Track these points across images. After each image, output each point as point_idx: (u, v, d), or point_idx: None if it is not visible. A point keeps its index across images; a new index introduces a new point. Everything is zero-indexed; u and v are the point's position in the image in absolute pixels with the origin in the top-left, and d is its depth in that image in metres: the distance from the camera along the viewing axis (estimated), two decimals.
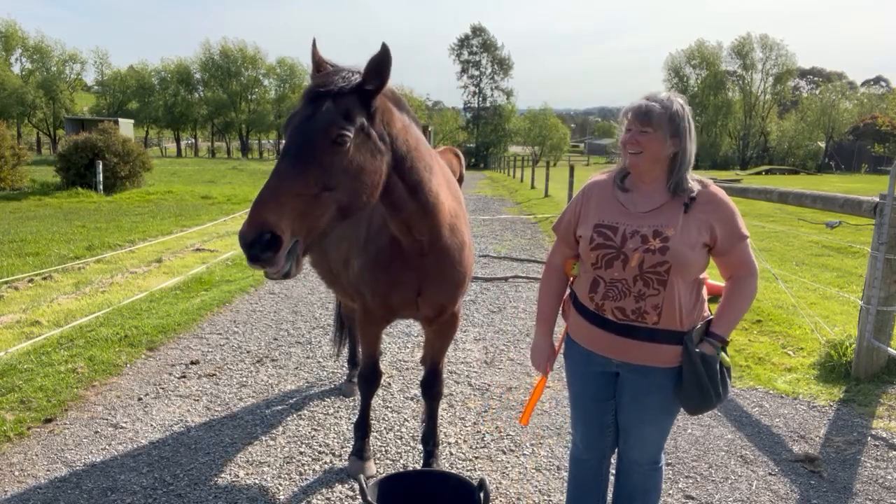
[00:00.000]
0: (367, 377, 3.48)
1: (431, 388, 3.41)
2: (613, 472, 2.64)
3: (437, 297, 3.02)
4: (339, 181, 2.20)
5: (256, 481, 3.41)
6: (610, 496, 2.71)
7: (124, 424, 4.05)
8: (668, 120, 2.20)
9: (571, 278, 2.51)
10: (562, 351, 2.61)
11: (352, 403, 4.38)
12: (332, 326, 6.14)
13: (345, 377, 4.76)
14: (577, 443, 2.62)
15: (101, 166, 18.46)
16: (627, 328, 2.27)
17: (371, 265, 2.96)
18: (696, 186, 2.25)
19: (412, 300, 3.00)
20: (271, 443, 3.85)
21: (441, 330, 3.29)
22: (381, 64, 2.28)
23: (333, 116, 2.20)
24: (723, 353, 2.28)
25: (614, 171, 2.40)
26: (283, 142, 2.28)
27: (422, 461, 3.51)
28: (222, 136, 73.51)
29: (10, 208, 15.42)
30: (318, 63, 2.39)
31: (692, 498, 3.29)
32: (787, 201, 5.83)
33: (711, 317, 2.32)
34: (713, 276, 7.38)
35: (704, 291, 2.34)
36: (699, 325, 2.27)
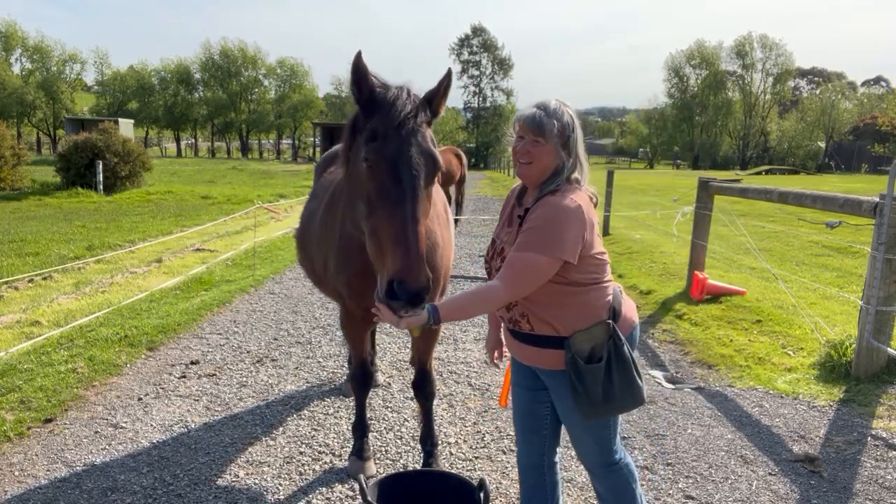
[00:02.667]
0: (357, 378, 3.50)
1: (423, 388, 3.42)
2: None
3: None
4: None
5: (256, 481, 3.41)
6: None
7: (124, 424, 4.05)
8: (559, 132, 2.21)
9: None
10: None
11: (352, 403, 4.38)
12: (332, 326, 6.15)
13: (345, 377, 4.77)
14: (516, 440, 2.68)
15: (101, 166, 18.47)
16: (515, 333, 2.38)
17: (345, 266, 2.98)
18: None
19: None
20: (271, 443, 3.85)
21: (423, 331, 3.30)
22: (448, 88, 2.46)
23: (435, 149, 2.34)
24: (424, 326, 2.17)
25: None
26: (384, 172, 2.23)
27: (421, 461, 3.51)
28: (222, 137, 73.59)
29: (10, 208, 15.42)
30: (364, 74, 2.33)
31: (692, 498, 3.29)
32: (787, 201, 5.83)
33: (607, 320, 2.24)
34: (713, 276, 7.41)
35: (599, 295, 2.26)
36: (588, 329, 2.21)
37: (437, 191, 3.27)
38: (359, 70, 2.33)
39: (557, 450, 2.65)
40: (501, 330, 2.60)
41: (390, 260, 2.14)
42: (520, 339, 2.36)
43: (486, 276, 2.51)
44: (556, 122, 2.20)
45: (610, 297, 2.30)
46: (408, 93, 2.36)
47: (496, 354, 2.69)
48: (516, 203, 2.41)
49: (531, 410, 2.54)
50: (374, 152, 2.25)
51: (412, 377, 3.51)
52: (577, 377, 2.20)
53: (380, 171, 2.25)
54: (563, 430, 2.58)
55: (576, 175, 2.26)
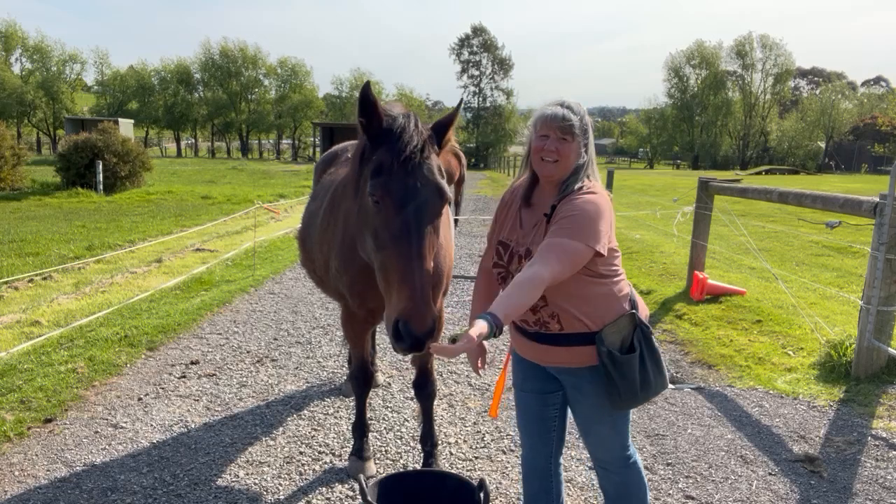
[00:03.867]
0: (357, 378, 3.50)
1: (423, 388, 3.42)
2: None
3: None
4: None
5: (256, 481, 3.41)
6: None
7: (124, 424, 4.05)
8: (583, 130, 2.23)
9: None
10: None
11: (352, 403, 4.38)
12: (332, 326, 6.15)
13: (345, 377, 4.77)
14: (522, 443, 2.66)
15: (101, 166, 18.49)
16: (539, 335, 2.33)
17: (347, 266, 2.99)
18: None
19: None
20: (271, 443, 3.85)
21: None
22: (456, 118, 2.50)
23: (442, 180, 2.31)
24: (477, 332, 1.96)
25: (525, 179, 2.37)
26: (390, 209, 2.22)
27: (421, 461, 3.51)
28: (222, 137, 73.58)
29: (10, 208, 15.42)
30: (373, 105, 2.31)
31: (692, 498, 3.29)
32: (787, 201, 5.83)
33: (632, 311, 2.28)
34: (713, 276, 7.40)
35: (620, 287, 2.29)
36: (615, 321, 2.24)
37: None
38: (367, 101, 2.30)
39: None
40: (511, 333, 2.52)
41: (396, 298, 2.14)
42: (547, 342, 2.31)
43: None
44: (579, 119, 2.22)
45: (628, 289, 2.34)
46: (415, 123, 2.32)
47: (479, 363, 2.56)
48: (523, 203, 2.36)
49: (540, 415, 2.53)
50: (379, 188, 2.23)
51: (412, 377, 3.51)
52: (616, 368, 2.21)
53: (386, 208, 2.23)
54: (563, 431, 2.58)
55: (591, 170, 2.28)
